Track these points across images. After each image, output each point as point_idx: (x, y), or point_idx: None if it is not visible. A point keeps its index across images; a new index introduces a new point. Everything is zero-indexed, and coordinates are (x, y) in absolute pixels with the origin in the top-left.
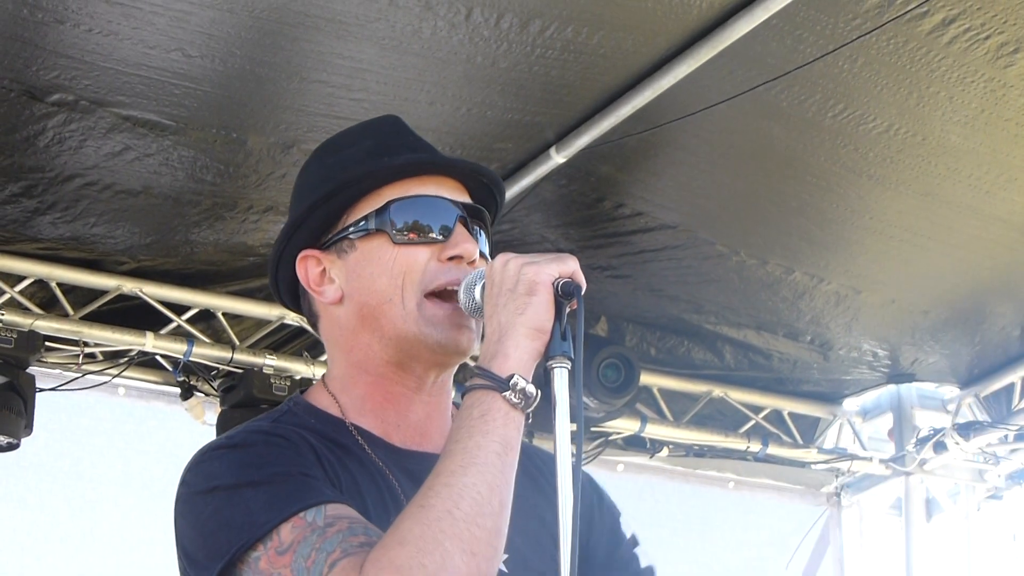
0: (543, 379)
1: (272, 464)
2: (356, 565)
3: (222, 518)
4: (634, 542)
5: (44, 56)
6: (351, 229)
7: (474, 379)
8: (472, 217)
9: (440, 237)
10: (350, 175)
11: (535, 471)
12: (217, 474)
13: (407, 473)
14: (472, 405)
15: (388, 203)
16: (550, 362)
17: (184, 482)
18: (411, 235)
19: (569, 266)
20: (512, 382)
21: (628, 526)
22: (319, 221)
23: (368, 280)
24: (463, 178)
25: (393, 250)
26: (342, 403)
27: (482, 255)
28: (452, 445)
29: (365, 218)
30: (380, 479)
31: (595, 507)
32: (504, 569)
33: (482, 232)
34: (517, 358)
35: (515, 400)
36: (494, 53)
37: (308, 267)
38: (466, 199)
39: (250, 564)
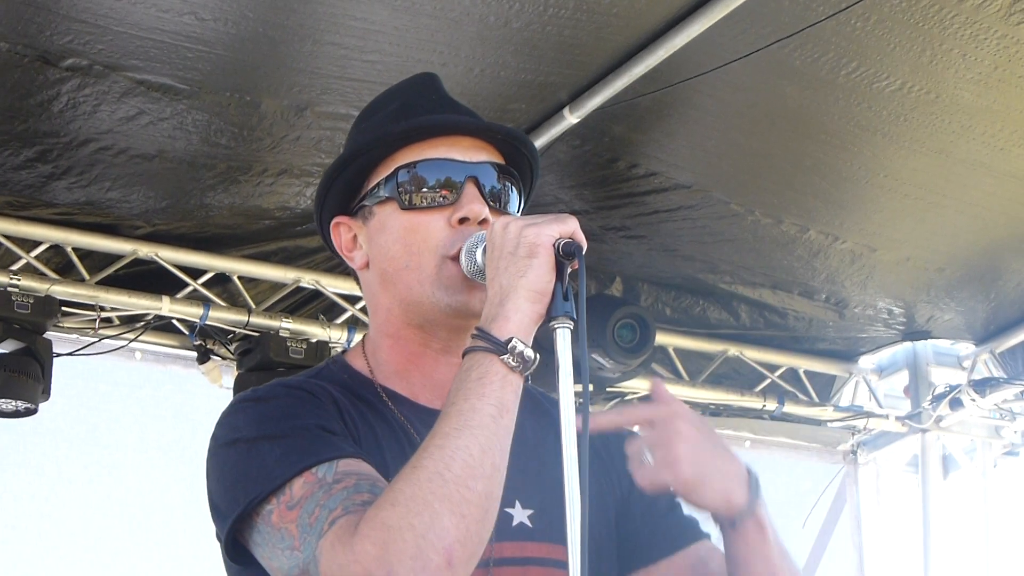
0: (550, 340)
1: (291, 418)
2: (353, 524)
3: (240, 470)
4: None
5: (57, 21)
6: (367, 196)
7: (473, 341)
8: (502, 174)
9: (448, 199)
10: (363, 141)
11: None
12: (239, 427)
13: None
14: (470, 368)
15: (396, 169)
16: (552, 323)
17: (213, 435)
18: (418, 200)
19: (569, 226)
20: (511, 345)
21: None
22: (343, 188)
23: (383, 247)
24: (486, 137)
25: (403, 216)
26: (372, 365)
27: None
28: (448, 408)
29: (377, 185)
30: (402, 434)
31: None
32: (528, 524)
33: (513, 189)
34: (517, 321)
35: (513, 363)
36: (506, 13)
37: (340, 234)
38: (488, 158)
39: (263, 517)
